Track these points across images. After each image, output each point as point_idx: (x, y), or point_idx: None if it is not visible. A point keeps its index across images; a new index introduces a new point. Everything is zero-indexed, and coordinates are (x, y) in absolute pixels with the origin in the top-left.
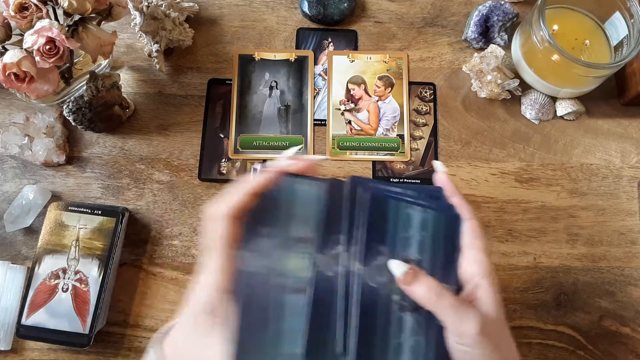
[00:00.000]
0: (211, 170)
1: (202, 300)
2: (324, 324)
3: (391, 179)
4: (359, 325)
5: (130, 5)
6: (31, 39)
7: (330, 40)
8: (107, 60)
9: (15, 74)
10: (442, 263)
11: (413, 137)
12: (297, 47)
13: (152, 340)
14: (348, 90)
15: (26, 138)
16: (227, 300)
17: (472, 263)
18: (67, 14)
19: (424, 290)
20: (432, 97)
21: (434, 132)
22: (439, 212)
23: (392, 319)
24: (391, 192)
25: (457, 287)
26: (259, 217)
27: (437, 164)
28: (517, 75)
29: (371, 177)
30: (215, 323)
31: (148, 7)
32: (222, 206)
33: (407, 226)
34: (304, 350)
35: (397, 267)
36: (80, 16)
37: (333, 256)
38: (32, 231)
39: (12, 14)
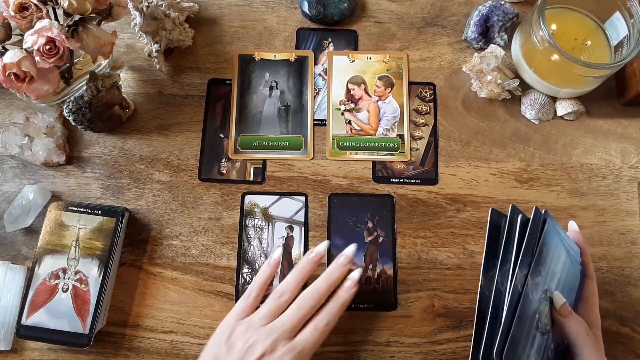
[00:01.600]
0: (211, 170)
1: None
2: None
3: (391, 179)
4: (515, 329)
5: (130, 5)
6: (31, 39)
7: (330, 40)
8: (107, 60)
9: (15, 74)
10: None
11: (413, 137)
12: (297, 47)
13: None
14: (348, 90)
15: (26, 138)
16: None
17: (588, 314)
18: (67, 14)
19: (577, 326)
20: (432, 97)
21: (434, 132)
22: (575, 266)
23: (530, 332)
24: (556, 230)
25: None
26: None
27: (572, 224)
28: (517, 75)
29: (371, 177)
30: None
31: (148, 7)
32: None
33: (556, 263)
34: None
35: (560, 298)
36: (80, 16)
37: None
38: (32, 231)
39: (12, 14)
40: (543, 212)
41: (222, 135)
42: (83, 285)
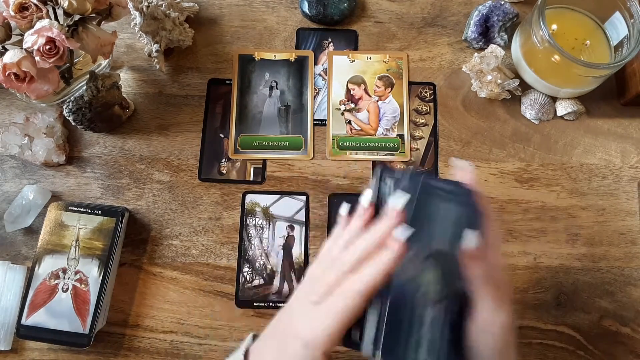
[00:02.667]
0: (211, 170)
1: (301, 342)
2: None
3: None
4: (388, 321)
5: (130, 5)
6: (31, 39)
7: (330, 40)
8: (107, 60)
9: (15, 74)
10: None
11: (413, 137)
12: (297, 47)
13: (245, 341)
14: (348, 90)
15: (26, 138)
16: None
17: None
18: (67, 14)
19: (483, 270)
20: (432, 97)
21: (434, 132)
22: (469, 210)
23: (415, 313)
24: (432, 185)
25: None
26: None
27: (457, 161)
28: (517, 75)
29: (371, 177)
30: None
31: (148, 7)
32: (360, 284)
33: (443, 220)
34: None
35: (474, 238)
36: (80, 16)
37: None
38: (32, 231)
39: (12, 14)
40: (408, 176)
41: (222, 135)
42: (83, 285)
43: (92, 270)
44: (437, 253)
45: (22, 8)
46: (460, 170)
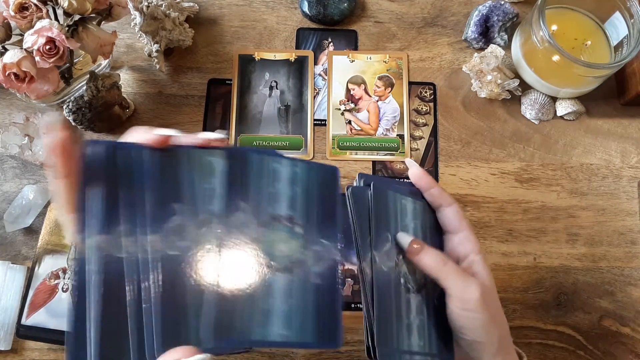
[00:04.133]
0: None
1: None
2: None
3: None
4: (378, 310)
5: (130, 5)
6: (31, 39)
7: (330, 40)
8: (107, 60)
9: (15, 74)
10: (319, 225)
11: (413, 137)
12: (297, 47)
13: None
14: (348, 90)
15: (26, 138)
16: None
17: (464, 242)
18: (67, 14)
19: (431, 259)
20: (432, 97)
21: (434, 132)
22: (425, 204)
23: (401, 301)
24: (388, 186)
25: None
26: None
27: (408, 161)
28: (517, 75)
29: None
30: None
31: (148, 7)
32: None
33: (403, 216)
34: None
35: (405, 238)
36: (80, 16)
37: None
38: (32, 231)
39: (12, 14)
40: (360, 182)
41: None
42: None
43: None
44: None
45: (22, 8)
46: (410, 168)
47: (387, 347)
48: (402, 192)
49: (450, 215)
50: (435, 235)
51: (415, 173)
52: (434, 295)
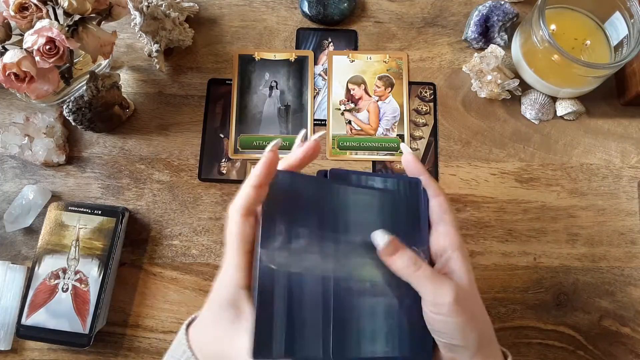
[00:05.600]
0: (211, 170)
1: (222, 296)
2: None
3: None
4: (334, 323)
5: (130, 5)
6: (31, 39)
7: (330, 40)
8: (107, 60)
9: (15, 74)
10: (407, 236)
11: (413, 137)
12: (297, 47)
13: (182, 327)
14: (348, 90)
15: (26, 138)
16: (247, 295)
17: (442, 236)
18: (67, 14)
19: (404, 261)
20: (432, 97)
21: (434, 132)
22: (397, 181)
23: (363, 306)
24: (351, 182)
25: (427, 259)
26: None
27: (403, 146)
28: (517, 75)
29: None
30: (237, 316)
31: (148, 7)
32: (234, 203)
33: (369, 213)
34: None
35: (381, 238)
36: (80, 16)
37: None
38: (32, 231)
39: (12, 14)
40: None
41: (222, 135)
42: (83, 285)
43: (92, 270)
44: (370, 246)
45: (22, 8)
46: (404, 155)
47: (345, 355)
48: (372, 188)
49: (433, 206)
50: (415, 222)
51: (406, 158)
52: (409, 298)
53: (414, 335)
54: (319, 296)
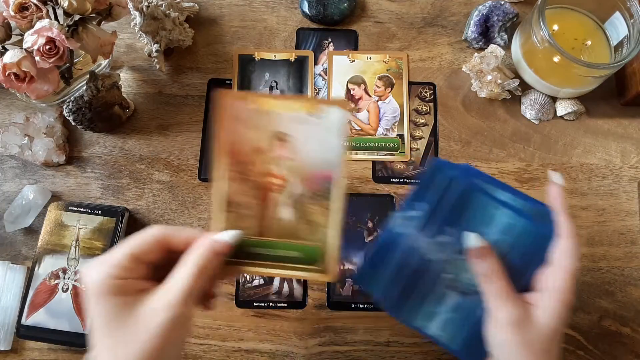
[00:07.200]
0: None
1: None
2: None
3: (391, 179)
4: (404, 283)
5: (130, 5)
6: (31, 39)
7: (330, 40)
8: (107, 60)
9: (15, 74)
10: (511, 270)
11: (413, 137)
12: (297, 47)
13: None
14: (348, 90)
15: (26, 138)
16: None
17: (552, 278)
18: (67, 14)
19: (484, 268)
20: (432, 97)
21: (434, 132)
22: (532, 226)
23: (436, 290)
24: (487, 190)
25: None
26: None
27: (553, 175)
28: (517, 75)
29: (371, 177)
30: (125, 303)
31: (148, 7)
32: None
33: (487, 224)
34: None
35: (474, 239)
36: (80, 16)
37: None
38: (32, 231)
39: (12, 14)
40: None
41: None
42: (83, 285)
43: None
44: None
45: (22, 8)
46: (550, 184)
47: (395, 311)
48: (501, 202)
49: (559, 248)
50: (528, 264)
51: (554, 191)
52: (482, 307)
53: (472, 339)
54: (413, 267)
